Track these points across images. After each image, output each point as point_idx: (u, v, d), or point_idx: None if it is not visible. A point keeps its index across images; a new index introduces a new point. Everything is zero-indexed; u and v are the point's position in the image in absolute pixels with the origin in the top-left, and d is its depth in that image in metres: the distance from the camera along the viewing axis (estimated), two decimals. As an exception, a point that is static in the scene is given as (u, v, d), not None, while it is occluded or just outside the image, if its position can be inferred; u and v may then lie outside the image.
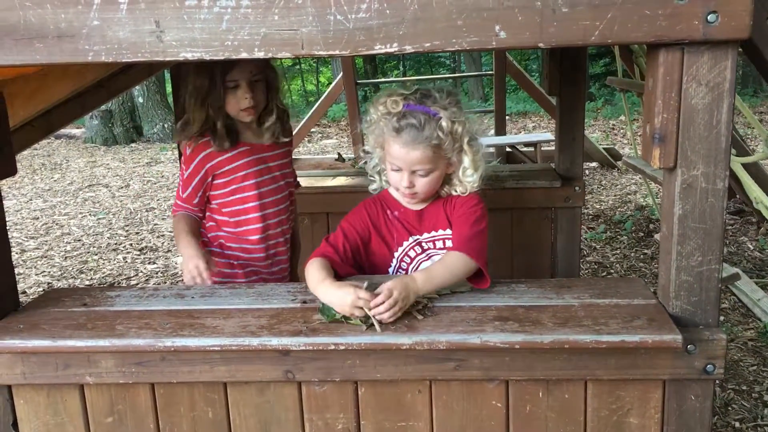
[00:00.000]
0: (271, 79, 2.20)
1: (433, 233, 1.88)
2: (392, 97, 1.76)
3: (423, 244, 1.89)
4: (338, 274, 1.76)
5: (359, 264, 1.88)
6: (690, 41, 1.34)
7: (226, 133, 2.16)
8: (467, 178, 1.82)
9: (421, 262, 1.89)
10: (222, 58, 1.41)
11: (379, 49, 1.38)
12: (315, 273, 1.70)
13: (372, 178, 1.97)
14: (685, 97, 1.39)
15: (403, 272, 1.90)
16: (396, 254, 1.90)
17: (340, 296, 1.58)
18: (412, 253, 1.89)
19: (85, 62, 1.43)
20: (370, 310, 1.56)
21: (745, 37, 1.32)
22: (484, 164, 1.84)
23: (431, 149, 1.73)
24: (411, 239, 1.89)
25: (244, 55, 1.39)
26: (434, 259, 1.86)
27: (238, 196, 2.25)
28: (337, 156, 6.64)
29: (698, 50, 1.36)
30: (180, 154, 2.37)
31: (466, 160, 1.79)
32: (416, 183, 1.79)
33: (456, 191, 1.86)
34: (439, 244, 1.88)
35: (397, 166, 1.78)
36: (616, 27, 1.33)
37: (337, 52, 1.39)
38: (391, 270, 1.90)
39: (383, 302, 1.54)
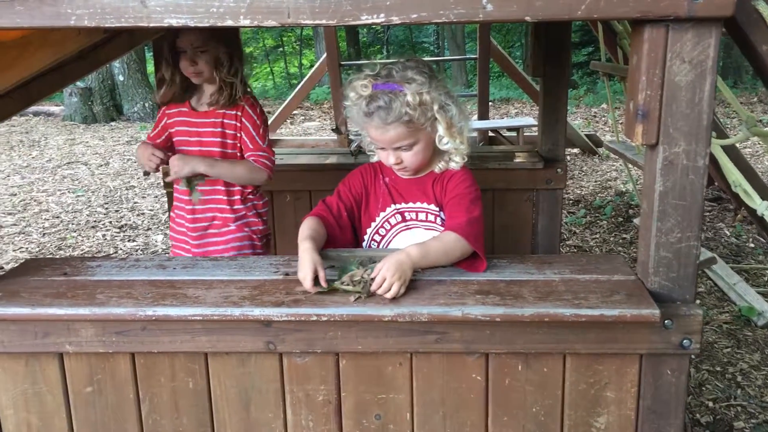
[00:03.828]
0: (219, 53, 2.33)
1: (418, 204, 1.89)
2: (361, 81, 1.78)
3: (405, 213, 1.90)
4: (333, 235, 1.81)
5: (355, 226, 1.92)
6: (675, 18, 1.34)
7: (181, 89, 2.45)
8: (444, 146, 1.82)
9: (399, 232, 1.90)
10: (207, 25, 1.39)
11: (365, 19, 1.37)
12: (301, 231, 1.76)
13: (371, 152, 1.99)
14: (668, 74, 1.40)
15: (380, 238, 1.91)
16: (377, 219, 1.91)
17: (302, 264, 1.63)
18: (393, 221, 1.91)
19: (67, 26, 1.40)
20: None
21: (729, 14, 1.33)
22: (467, 127, 1.84)
23: (404, 125, 1.74)
24: (393, 207, 1.90)
25: (229, 23, 1.38)
26: (415, 232, 1.88)
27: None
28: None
29: (682, 27, 1.37)
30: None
31: (440, 128, 1.80)
32: (403, 157, 1.81)
33: (453, 164, 1.86)
34: (422, 216, 1.89)
35: (380, 145, 1.81)
36: (602, 2, 1.33)
37: (323, 21, 1.38)
38: (366, 237, 1.91)
39: (380, 286, 1.56)
